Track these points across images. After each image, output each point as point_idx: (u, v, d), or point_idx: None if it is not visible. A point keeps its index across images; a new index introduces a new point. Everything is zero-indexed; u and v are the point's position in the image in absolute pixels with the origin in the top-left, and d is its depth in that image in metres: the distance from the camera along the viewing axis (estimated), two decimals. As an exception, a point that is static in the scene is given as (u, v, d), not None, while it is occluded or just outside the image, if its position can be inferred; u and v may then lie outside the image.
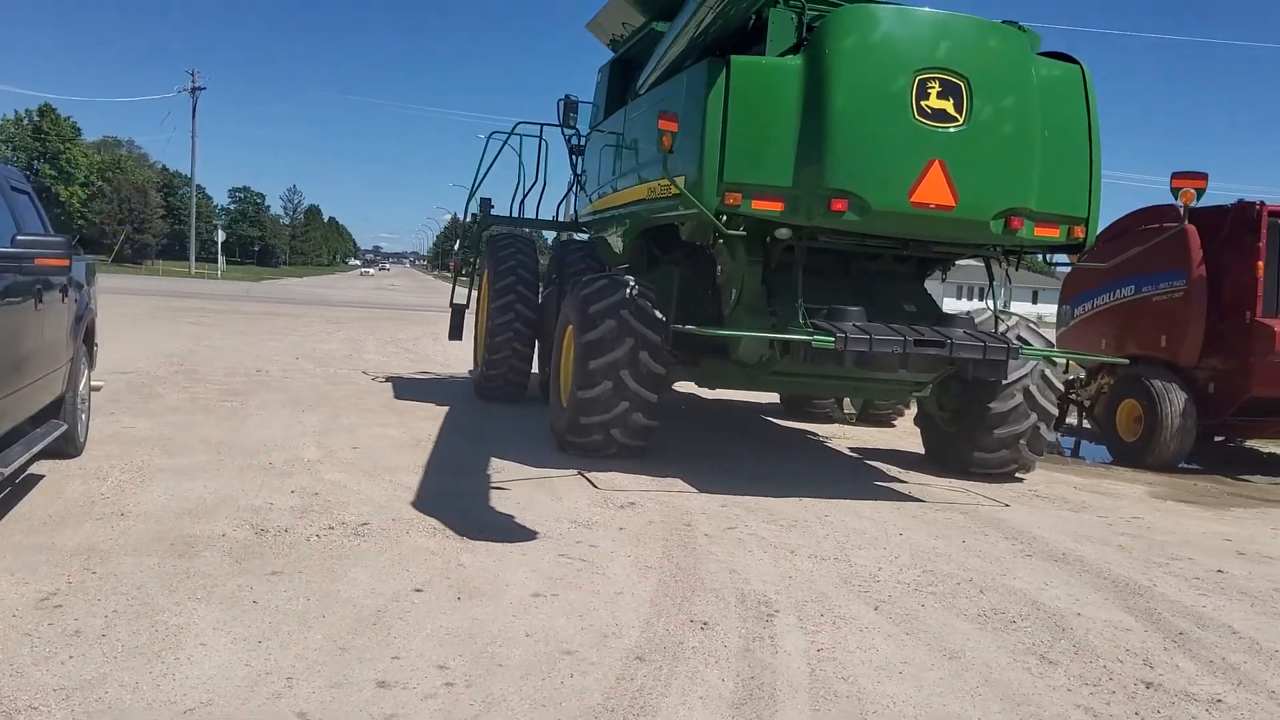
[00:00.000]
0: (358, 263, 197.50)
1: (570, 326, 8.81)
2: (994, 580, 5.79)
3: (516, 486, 7.40)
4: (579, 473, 8.04)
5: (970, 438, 9.17)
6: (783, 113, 7.47)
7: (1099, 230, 11.55)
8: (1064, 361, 13.36)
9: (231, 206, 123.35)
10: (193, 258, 71.62)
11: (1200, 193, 7.95)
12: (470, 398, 12.26)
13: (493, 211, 13.06)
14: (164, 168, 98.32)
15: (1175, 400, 10.74)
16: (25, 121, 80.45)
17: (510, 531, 6.08)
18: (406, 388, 12.98)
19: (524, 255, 11.86)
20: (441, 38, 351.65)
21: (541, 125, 12.67)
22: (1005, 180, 7.62)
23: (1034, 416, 8.98)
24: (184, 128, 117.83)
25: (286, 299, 39.51)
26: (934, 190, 7.43)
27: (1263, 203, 10.65)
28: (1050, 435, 9.19)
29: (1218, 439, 12.00)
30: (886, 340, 7.41)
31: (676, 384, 11.43)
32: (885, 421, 12.43)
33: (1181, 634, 5.06)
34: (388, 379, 13.81)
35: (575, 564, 5.50)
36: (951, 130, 7.45)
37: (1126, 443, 11.29)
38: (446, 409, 11.20)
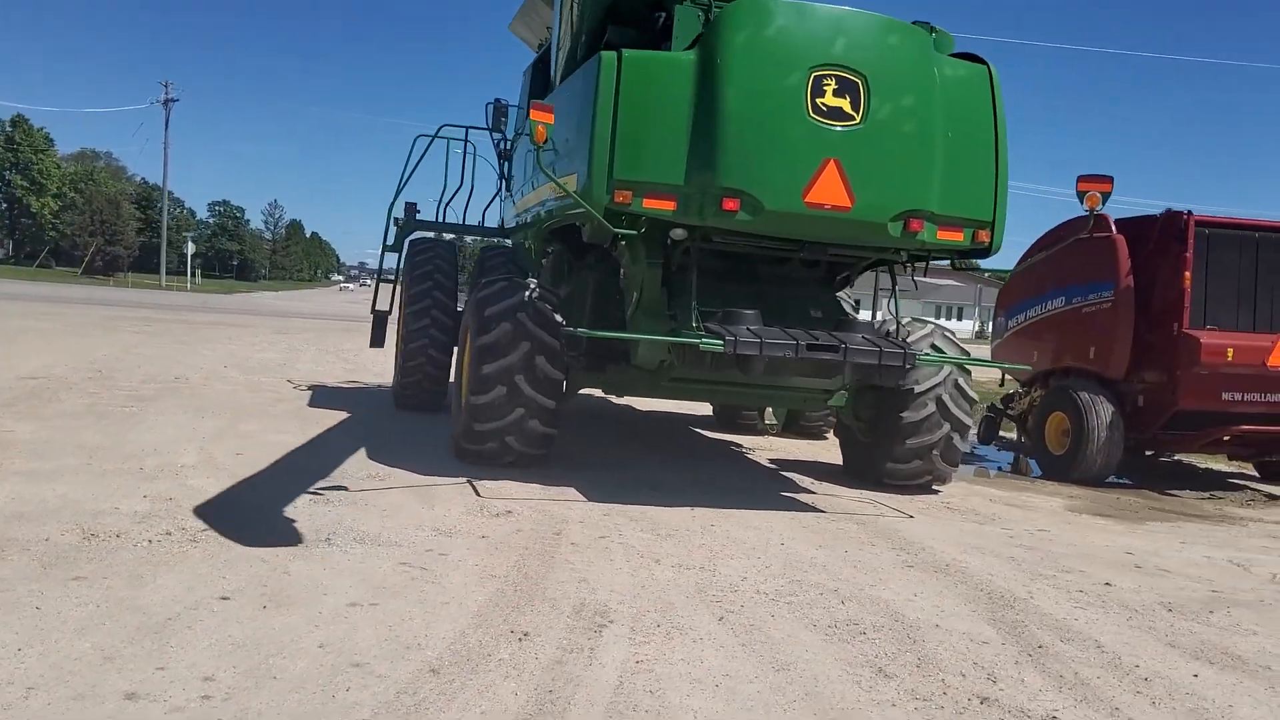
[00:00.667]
0: (339, 278, 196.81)
1: (469, 330, 8.54)
2: (861, 591, 5.52)
3: (393, 494, 7.10)
4: (468, 481, 7.74)
5: (884, 448, 8.93)
6: (676, 109, 7.23)
7: (1042, 236, 11.40)
8: (1000, 375, 13.17)
9: (211, 220, 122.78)
10: (163, 270, 70.97)
11: (1106, 196, 7.75)
12: (389, 406, 11.95)
13: (418, 216, 12.78)
14: (143, 180, 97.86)
15: (1102, 413, 10.52)
16: (-2, 132, 79.88)
17: (357, 539, 5.77)
18: (326, 396, 12.66)
19: (441, 260, 11.58)
20: (433, 54, 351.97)
21: (466, 129, 12.42)
22: (904, 181, 7.39)
23: (947, 426, 8.74)
24: (157, 139, 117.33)
25: (244, 310, 39.17)
26: (829, 190, 7.20)
27: (1190, 212, 10.47)
28: (963, 445, 8.94)
29: (1149, 453, 11.79)
30: (778, 344, 7.16)
31: (617, 396, 11.23)
32: (816, 434, 12.17)
33: (1041, 647, 4.80)
34: (311, 387, 13.48)
35: (413, 572, 5.20)
36: (848, 129, 7.22)
37: (1055, 456, 11.07)
38: (355, 417, 10.89)
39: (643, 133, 7.22)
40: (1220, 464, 12.63)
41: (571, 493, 7.61)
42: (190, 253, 72.93)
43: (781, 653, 4.41)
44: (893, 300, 8.34)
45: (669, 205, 7.28)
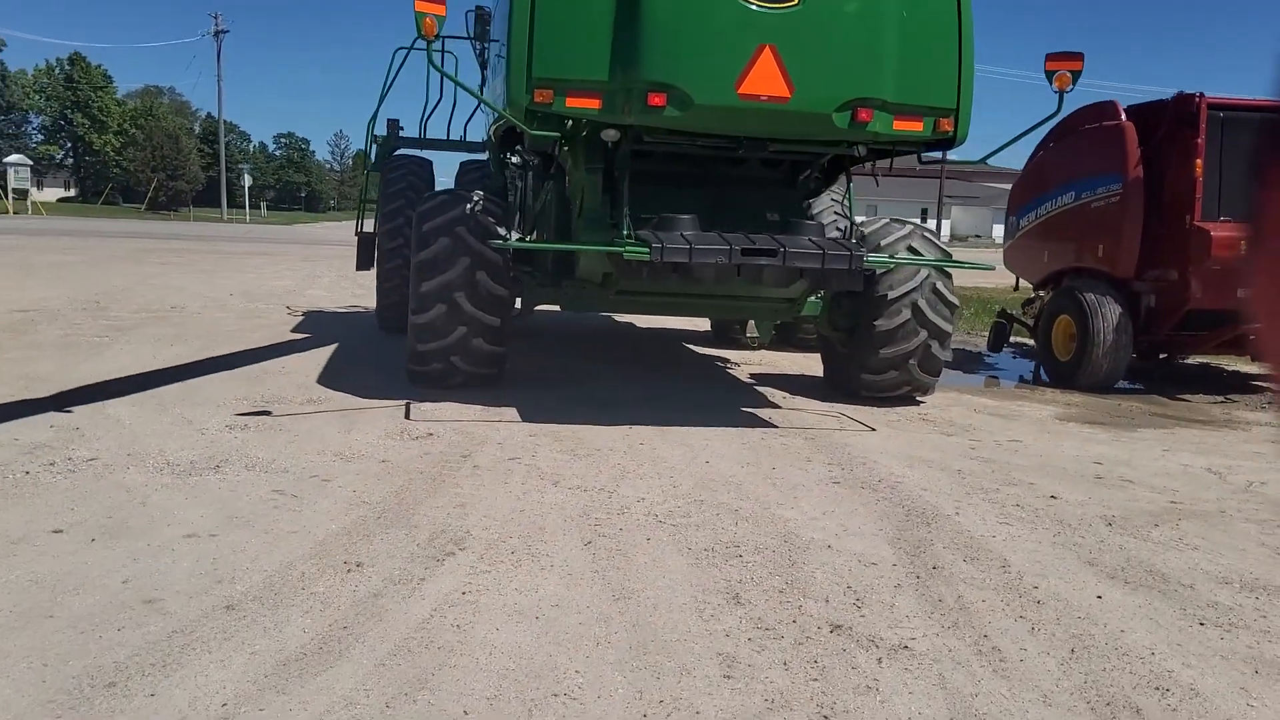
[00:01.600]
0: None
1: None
2: (765, 510, 5.15)
3: (317, 419, 6.87)
4: (407, 403, 7.48)
5: (859, 359, 8.47)
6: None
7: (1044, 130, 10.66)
8: (1015, 279, 12.51)
9: (277, 153, 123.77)
10: (224, 203, 71.81)
11: (1076, 75, 7.09)
12: (375, 330, 11.73)
13: (401, 134, 12.40)
14: (208, 115, 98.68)
15: (1108, 315, 9.87)
16: (57, 71, 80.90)
17: (248, 465, 5.54)
18: (318, 322, 12.51)
19: (414, 177, 11.24)
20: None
21: (444, 39, 11.92)
22: (850, 67, 6.81)
23: (924, 334, 8.23)
24: (213, 72, 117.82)
25: (285, 240, 39.28)
26: (765, 80, 6.65)
27: (1202, 94, 9.64)
28: (944, 354, 8.41)
29: (1162, 356, 11.11)
30: (709, 250, 6.71)
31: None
32: (812, 346, 11.67)
33: (936, 569, 4.39)
34: (307, 313, 13.35)
35: (280, 500, 4.94)
36: (785, 10, 6.64)
37: (1061, 362, 10.46)
38: (333, 342, 10.69)
39: (564, 26, 6.72)
40: (1247, 365, 11.87)
41: (510, 413, 7.31)
42: (248, 185, 73.48)
43: (634, 580, 4.07)
44: (847, 197, 7.74)
45: (594, 104, 6.80)
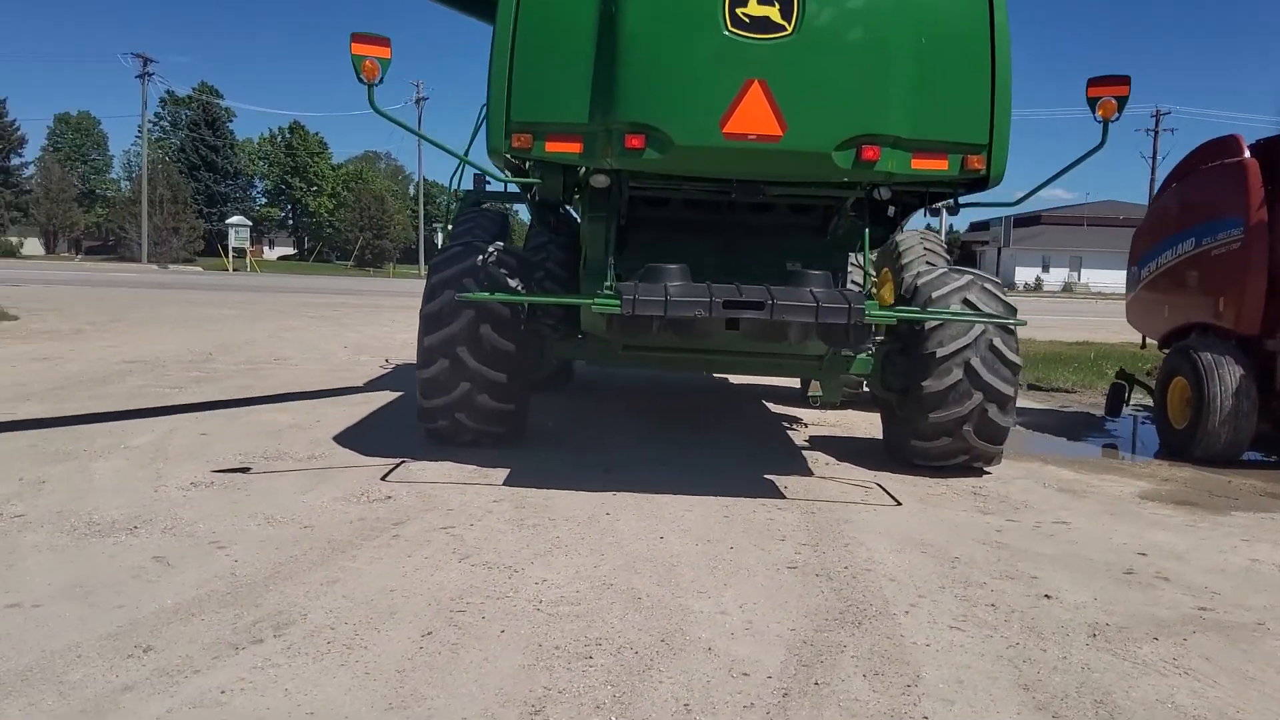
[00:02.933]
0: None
1: (427, 301, 7.94)
2: (674, 600, 4.48)
3: (291, 477, 6.62)
4: (400, 461, 7.17)
5: (911, 423, 7.61)
6: (579, 36, 6.26)
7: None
8: (1141, 337, 11.21)
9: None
10: (421, 259, 75.07)
11: (1123, 101, 6.13)
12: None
13: (488, 186, 12.27)
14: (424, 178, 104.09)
15: (1226, 377, 8.60)
16: (279, 139, 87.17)
17: (163, 529, 5.29)
18: (402, 375, 12.47)
19: (479, 229, 11.03)
20: None
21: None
22: (851, 100, 6.10)
23: (979, 397, 7.30)
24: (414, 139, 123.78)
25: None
26: (753, 118, 6.04)
27: (1337, 122, 8.31)
28: (1005, 419, 7.44)
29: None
30: (686, 303, 6.10)
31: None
32: None
33: (818, 684, 3.63)
34: (401, 366, 13.37)
35: (146, 569, 4.64)
36: (776, 41, 6.02)
37: (1176, 430, 9.18)
38: (398, 394, 10.58)
39: (543, 67, 6.31)
40: None
41: (499, 474, 6.87)
42: (439, 242, 76.49)
43: (434, 685, 3.52)
44: (863, 245, 6.92)
45: (574, 148, 6.36)
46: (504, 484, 6.62)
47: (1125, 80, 6.12)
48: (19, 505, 5.65)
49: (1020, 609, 4.57)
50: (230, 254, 65.96)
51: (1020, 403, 12.16)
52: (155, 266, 62.16)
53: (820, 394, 9.79)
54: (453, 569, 4.80)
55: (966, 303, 7.46)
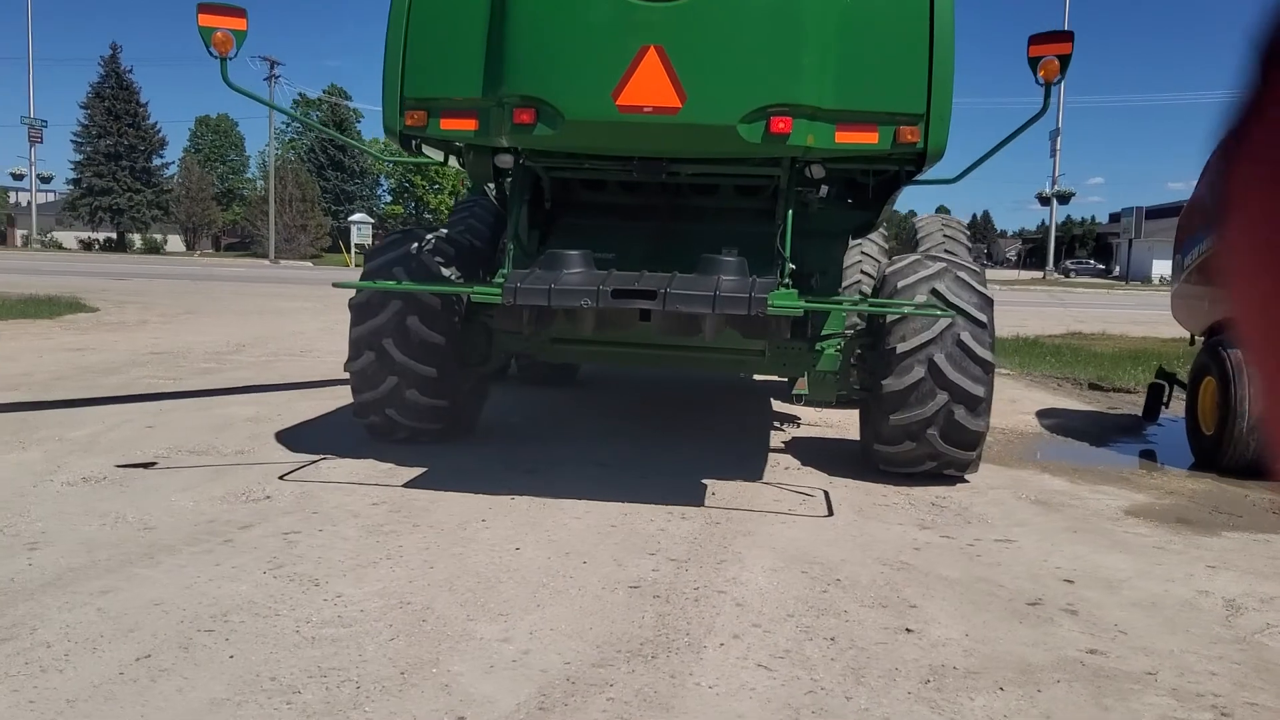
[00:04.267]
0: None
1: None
2: (443, 627, 3.99)
3: (193, 474, 6.38)
4: (324, 458, 6.87)
5: (874, 426, 6.94)
6: (473, 5, 5.85)
7: None
8: (1189, 334, 10.18)
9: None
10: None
11: (1065, 60, 5.36)
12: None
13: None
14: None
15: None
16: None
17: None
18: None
19: (474, 220, 10.67)
20: None
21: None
22: (759, 67, 5.51)
23: (944, 397, 6.58)
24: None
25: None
26: (649, 88, 5.50)
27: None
28: (975, 423, 6.68)
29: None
30: (570, 292, 5.58)
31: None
32: None
33: (528, 735, 3.11)
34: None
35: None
36: (675, 3, 5.48)
37: (1205, 436, 8.20)
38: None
39: (436, 40, 5.92)
40: None
41: (409, 474, 6.48)
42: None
43: (89, 716, 3.13)
44: (784, 231, 6.24)
45: (469, 124, 5.94)
46: (404, 484, 6.23)
47: (1068, 36, 5.36)
48: (-118, 498, 5.53)
49: (862, 645, 3.93)
50: (352, 250, 67.72)
51: (1067, 404, 11.25)
52: (266, 261, 64.22)
53: (805, 391, 9.10)
54: (248, 581, 4.41)
55: (935, 293, 6.74)
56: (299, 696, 3.31)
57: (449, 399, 7.18)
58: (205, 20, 5.38)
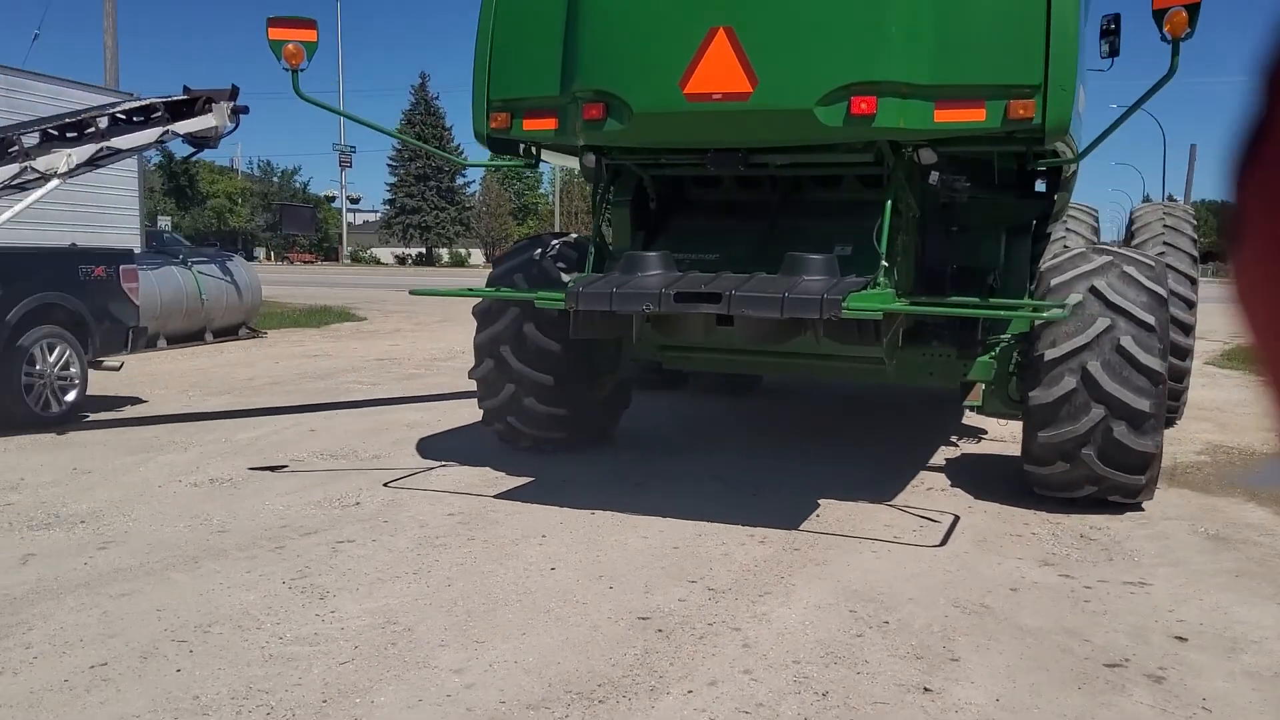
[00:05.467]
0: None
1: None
2: (421, 652, 3.77)
3: (308, 476, 6.55)
4: (444, 465, 6.91)
5: (1025, 444, 6.15)
6: (553, 3, 5.65)
7: None
8: None
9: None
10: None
11: (1194, 12, 4.44)
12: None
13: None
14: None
15: None
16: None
17: (81, 523, 5.38)
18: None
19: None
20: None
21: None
22: (835, 43, 4.96)
23: (1101, 411, 5.72)
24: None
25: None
26: (718, 73, 5.09)
27: None
28: (1141, 441, 5.73)
29: None
30: (631, 296, 5.23)
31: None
32: None
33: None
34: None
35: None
36: (743, -21, 5.04)
37: None
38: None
39: (519, 41, 5.79)
40: None
41: (513, 483, 6.36)
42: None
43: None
44: (880, 225, 5.51)
45: (549, 124, 5.75)
46: (495, 495, 6.10)
47: (1191, -20, 4.44)
48: (13, 495, 6.01)
49: (855, 705, 3.35)
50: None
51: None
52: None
53: (978, 403, 8.21)
54: (262, 590, 4.39)
55: (1093, 291, 5.86)
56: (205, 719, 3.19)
57: (569, 407, 6.99)
58: (275, 34, 5.48)
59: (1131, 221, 9.02)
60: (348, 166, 73.75)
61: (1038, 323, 5.92)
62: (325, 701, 3.31)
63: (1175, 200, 9.34)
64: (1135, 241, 8.85)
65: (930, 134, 5.12)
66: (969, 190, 6.39)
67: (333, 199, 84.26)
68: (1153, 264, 6.10)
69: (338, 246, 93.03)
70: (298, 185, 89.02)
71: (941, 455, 7.68)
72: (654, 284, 5.28)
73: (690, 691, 3.43)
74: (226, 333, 16.29)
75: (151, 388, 10.43)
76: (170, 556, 4.84)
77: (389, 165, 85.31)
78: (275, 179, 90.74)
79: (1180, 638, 4.02)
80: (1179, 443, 8.21)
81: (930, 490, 6.53)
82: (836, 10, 4.94)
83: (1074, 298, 5.87)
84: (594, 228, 6.22)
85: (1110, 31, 9.81)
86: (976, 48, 4.93)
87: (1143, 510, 6.05)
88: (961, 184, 6.29)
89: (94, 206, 17.09)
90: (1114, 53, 9.83)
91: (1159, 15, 4.56)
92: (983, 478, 6.82)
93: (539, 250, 7.09)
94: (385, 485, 6.32)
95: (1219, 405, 10.10)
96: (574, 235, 7.50)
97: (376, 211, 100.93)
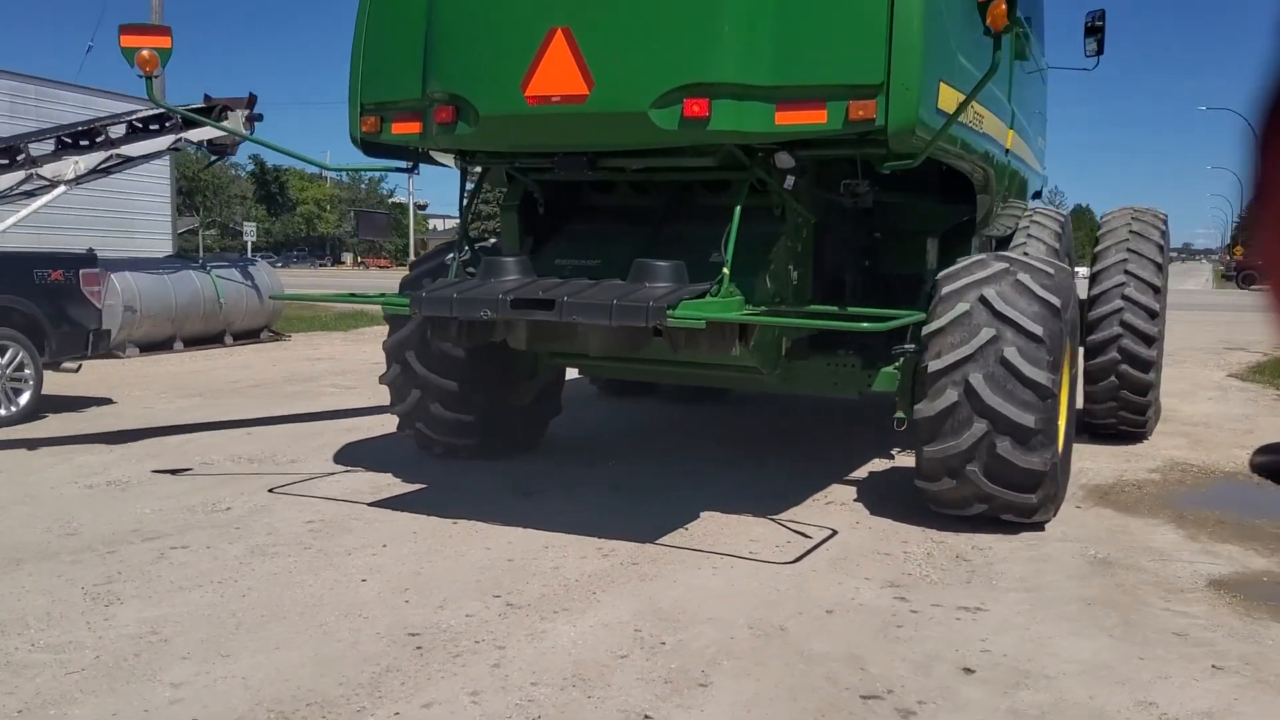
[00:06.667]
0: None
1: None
2: (148, 670, 3.72)
3: (208, 479, 6.58)
4: (347, 470, 6.90)
5: (916, 458, 5.91)
6: (415, 5, 5.59)
7: None
8: None
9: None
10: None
11: (1013, 4, 4.18)
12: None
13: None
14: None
15: None
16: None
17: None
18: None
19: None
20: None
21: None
22: (668, 43, 4.80)
23: (983, 426, 5.45)
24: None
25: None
26: (557, 75, 4.97)
27: None
28: (1028, 459, 5.44)
29: None
30: (472, 302, 5.12)
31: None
32: (1110, 430, 8.31)
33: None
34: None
35: None
36: (581, -21, 4.91)
37: None
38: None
39: (388, 44, 5.74)
40: None
41: (396, 491, 6.31)
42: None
43: None
44: (729, 232, 5.28)
45: (414, 128, 5.68)
46: (372, 503, 6.05)
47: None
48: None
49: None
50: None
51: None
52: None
53: (903, 414, 7.92)
54: (54, 595, 4.39)
55: (982, 300, 5.59)
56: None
57: (478, 414, 6.91)
58: (128, 41, 5.47)
59: (1098, 227, 8.63)
60: (415, 174, 74.98)
61: (926, 330, 5.68)
62: (20, 712, 3.28)
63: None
64: (1099, 247, 8.46)
65: (772, 137, 4.92)
66: (872, 194, 6.16)
67: (424, 206, 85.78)
68: (1052, 271, 5.78)
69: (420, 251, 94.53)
70: (384, 192, 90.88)
71: (870, 467, 7.41)
72: (498, 290, 5.17)
73: (397, 714, 3.31)
74: (247, 336, 16.56)
75: (130, 389, 10.65)
76: (2, 559, 4.87)
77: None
78: (362, 185, 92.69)
79: (969, 669, 3.77)
80: (1137, 459, 7.82)
81: (829, 504, 6.29)
82: (671, 11, 4.78)
83: (960, 306, 5.61)
84: (459, 232, 6.13)
85: (1095, 29, 9.45)
86: (817, 47, 4.73)
87: (1042, 530, 5.75)
88: (862, 188, 6.07)
89: (123, 213, 17.58)
90: (1099, 50, 9.47)
91: (982, 9, 4.30)
92: (894, 492, 6.55)
93: (450, 255, 7.02)
94: (270, 491, 6.31)
95: (1209, 421, 9.59)
96: (493, 240, 7.42)
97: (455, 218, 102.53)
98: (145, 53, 5.44)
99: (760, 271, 5.60)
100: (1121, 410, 8.20)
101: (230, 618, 4.14)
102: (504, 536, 5.34)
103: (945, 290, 5.72)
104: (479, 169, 6.23)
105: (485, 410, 6.93)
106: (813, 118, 4.76)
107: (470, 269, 5.97)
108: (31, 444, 7.66)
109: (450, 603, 4.35)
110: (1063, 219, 8.60)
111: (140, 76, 5.50)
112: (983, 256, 6.01)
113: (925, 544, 5.45)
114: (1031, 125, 8.43)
